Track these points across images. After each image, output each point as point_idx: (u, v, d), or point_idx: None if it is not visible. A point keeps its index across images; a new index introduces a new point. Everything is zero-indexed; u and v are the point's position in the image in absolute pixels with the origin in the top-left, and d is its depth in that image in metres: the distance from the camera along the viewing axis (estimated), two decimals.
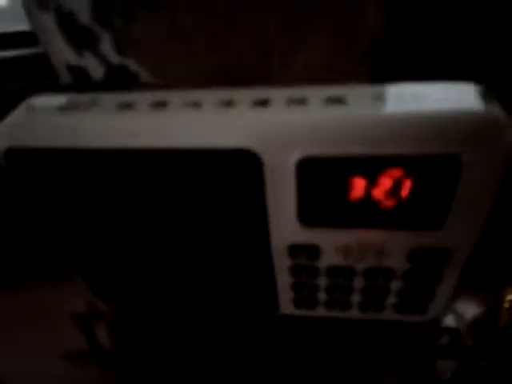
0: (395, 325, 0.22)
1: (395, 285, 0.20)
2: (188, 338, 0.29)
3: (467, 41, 0.22)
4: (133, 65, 0.19)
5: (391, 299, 0.21)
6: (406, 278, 0.19)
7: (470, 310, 0.29)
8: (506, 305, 0.35)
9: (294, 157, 0.16)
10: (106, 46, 0.19)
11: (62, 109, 0.18)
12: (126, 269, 0.23)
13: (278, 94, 0.17)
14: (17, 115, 0.18)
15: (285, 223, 0.18)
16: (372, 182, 0.16)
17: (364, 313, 0.22)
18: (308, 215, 0.18)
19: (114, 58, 0.19)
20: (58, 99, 0.18)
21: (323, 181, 0.16)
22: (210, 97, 0.17)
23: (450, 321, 0.25)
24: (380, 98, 0.16)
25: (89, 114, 0.17)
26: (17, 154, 0.18)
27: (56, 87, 0.22)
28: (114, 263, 0.23)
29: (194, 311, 0.25)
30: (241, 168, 0.17)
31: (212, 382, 0.27)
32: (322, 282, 0.20)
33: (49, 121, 0.17)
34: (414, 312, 0.21)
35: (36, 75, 0.32)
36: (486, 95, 0.15)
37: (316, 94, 0.16)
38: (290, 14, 0.18)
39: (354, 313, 0.22)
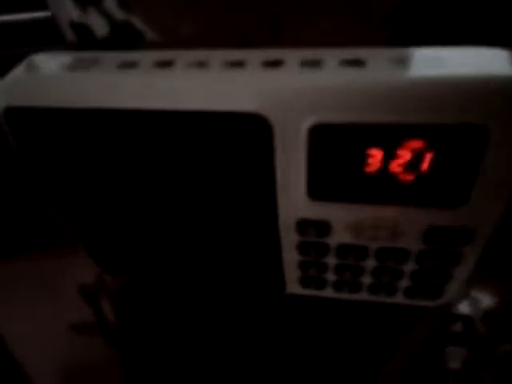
0: (406, 308, 0.21)
1: (409, 267, 0.19)
2: (192, 316, 0.28)
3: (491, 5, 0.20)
4: (137, 22, 0.18)
5: (404, 282, 0.20)
6: (421, 259, 0.18)
7: (485, 298, 0.28)
8: None
9: (307, 123, 0.15)
10: (111, 3, 0.18)
11: (63, 67, 0.17)
12: (129, 239, 0.22)
13: (291, 55, 0.15)
14: (16, 73, 0.17)
15: (294, 196, 0.17)
16: (390, 154, 0.15)
17: (374, 295, 0.21)
18: (318, 188, 0.16)
19: (119, 14, 0.18)
20: (60, 58, 0.17)
21: (337, 150, 0.15)
22: (217, 57, 0.16)
23: (463, 308, 0.24)
24: (401, 62, 0.14)
25: (90, 73, 0.16)
26: (16, 113, 0.17)
27: (62, 48, 0.21)
28: (117, 232, 0.22)
29: (198, 286, 0.25)
30: (249, 133, 0.16)
31: (215, 360, 0.27)
32: (331, 260, 0.19)
33: (49, 80, 0.16)
34: (427, 296, 0.20)
35: (43, 40, 0.31)
36: None
37: (332, 55, 0.15)
38: None
39: (364, 295, 0.21)
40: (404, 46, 0.22)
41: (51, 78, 0.16)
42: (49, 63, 0.17)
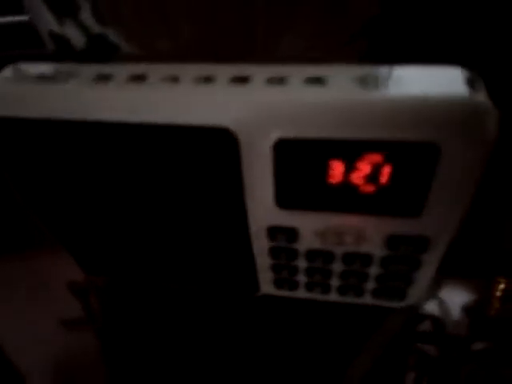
0: (374, 309, 0.22)
1: (374, 270, 0.20)
2: (173, 312, 0.29)
3: (462, 24, 0.21)
4: (113, 35, 0.18)
5: (370, 284, 0.21)
6: (384, 263, 0.19)
7: (456, 297, 0.29)
8: (498, 293, 0.35)
9: (272, 138, 0.16)
10: (86, 15, 0.18)
11: (40, 79, 0.17)
12: (108, 241, 0.23)
13: (259, 72, 0.16)
14: None
15: (262, 205, 0.18)
16: (350, 166, 0.16)
17: (343, 296, 0.22)
18: (285, 198, 0.17)
19: (94, 27, 0.19)
20: (37, 68, 0.18)
21: (301, 163, 0.16)
22: (188, 71, 0.17)
23: (432, 308, 0.25)
24: (361, 80, 0.15)
25: (68, 86, 0.17)
26: None
27: (41, 55, 0.22)
28: (95, 235, 0.23)
29: (175, 287, 0.26)
30: (217, 147, 0.16)
31: (195, 354, 0.28)
32: (302, 264, 0.20)
33: (27, 91, 0.17)
34: (392, 298, 0.21)
35: (25, 43, 0.32)
36: (473, 81, 0.15)
37: (297, 73, 0.16)
38: None
39: (334, 296, 0.22)
40: (376, 57, 0.23)
41: (29, 89, 0.17)
42: (27, 74, 0.18)
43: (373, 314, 0.24)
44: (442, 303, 0.26)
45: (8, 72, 0.18)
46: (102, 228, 0.22)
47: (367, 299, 0.22)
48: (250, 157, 0.16)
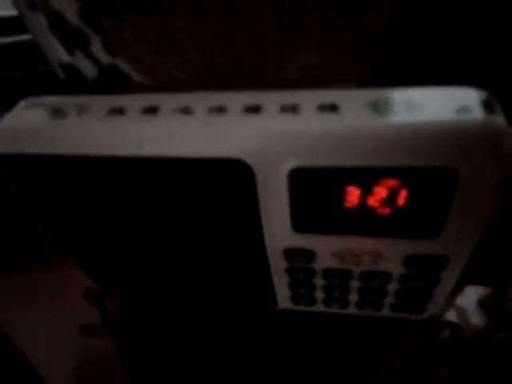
0: (393, 320, 0.22)
1: (392, 286, 0.20)
2: (192, 323, 0.29)
3: (473, 41, 0.21)
4: (123, 66, 0.18)
5: (388, 299, 0.21)
6: (403, 281, 0.19)
7: (474, 301, 0.29)
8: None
9: (286, 167, 0.16)
10: (97, 47, 0.18)
11: (53, 114, 0.17)
12: (127, 267, 0.23)
13: (271, 99, 0.16)
14: (8, 120, 0.18)
15: (279, 230, 0.18)
16: (367, 191, 0.16)
17: (362, 310, 0.22)
18: (302, 223, 0.17)
19: (105, 59, 0.19)
20: (50, 103, 0.18)
21: (316, 190, 0.16)
22: (200, 102, 0.17)
23: (451, 315, 0.25)
24: (374, 106, 0.15)
25: (81, 121, 0.17)
26: (9, 160, 0.18)
27: (53, 85, 0.22)
28: (114, 261, 0.23)
29: (192, 306, 0.26)
30: (232, 177, 0.16)
31: (212, 364, 0.28)
32: (319, 282, 0.20)
33: (40, 128, 0.17)
34: (411, 311, 0.21)
35: (34, 61, 0.32)
36: (489, 103, 0.15)
37: (309, 99, 0.16)
38: (284, 12, 0.17)
39: (352, 310, 0.22)
40: (388, 72, 0.23)
41: (43, 127, 0.17)
42: (40, 109, 0.18)
43: (391, 325, 0.24)
44: (460, 309, 0.26)
45: (21, 107, 0.18)
46: (124, 256, 0.22)
47: (386, 312, 0.22)
48: (265, 186, 0.16)
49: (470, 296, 0.29)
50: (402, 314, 0.22)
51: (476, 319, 0.28)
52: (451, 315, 0.26)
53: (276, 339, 0.25)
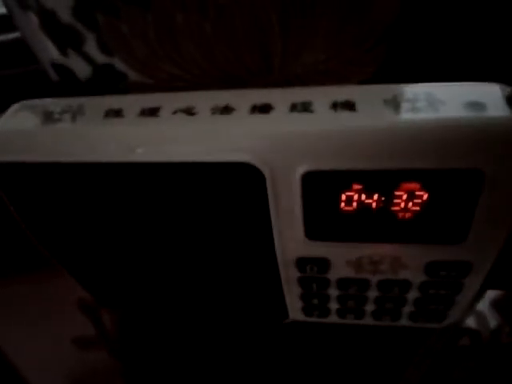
0: (412, 330, 0.21)
1: (412, 295, 0.19)
2: (193, 334, 0.28)
3: (486, 35, 0.20)
4: (119, 64, 0.17)
5: (407, 308, 0.19)
6: (423, 288, 0.18)
7: (486, 307, 0.28)
8: None
9: (299, 171, 0.14)
10: (91, 46, 0.17)
11: (46, 118, 0.16)
12: (129, 277, 0.22)
13: (280, 97, 0.15)
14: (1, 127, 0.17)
15: (291, 237, 0.17)
16: (386, 196, 0.15)
17: (378, 321, 0.21)
18: (316, 230, 0.16)
19: (100, 58, 0.17)
20: (44, 107, 0.17)
21: (331, 195, 0.15)
22: (204, 101, 0.15)
23: (470, 322, 0.24)
24: (392, 104, 0.14)
25: (77, 126, 0.16)
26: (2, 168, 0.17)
27: (46, 87, 0.21)
28: (116, 272, 0.22)
29: (199, 315, 0.25)
30: (241, 182, 0.15)
31: (216, 374, 0.27)
32: (333, 292, 0.19)
33: (34, 134, 0.16)
34: (431, 320, 0.20)
35: (23, 60, 0.30)
36: None
37: (322, 97, 0.15)
38: (291, 6, 0.16)
39: (368, 320, 0.21)
40: (398, 67, 0.21)
41: (36, 133, 0.16)
42: (33, 114, 0.17)
43: (409, 334, 0.22)
44: (479, 315, 0.24)
45: (13, 112, 0.17)
46: (124, 267, 0.21)
47: (404, 322, 0.21)
48: (276, 190, 0.15)
49: (484, 299, 0.28)
50: (422, 322, 0.20)
51: (492, 323, 0.27)
52: (469, 321, 0.24)
53: (287, 353, 0.24)
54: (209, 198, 0.16)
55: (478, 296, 0.18)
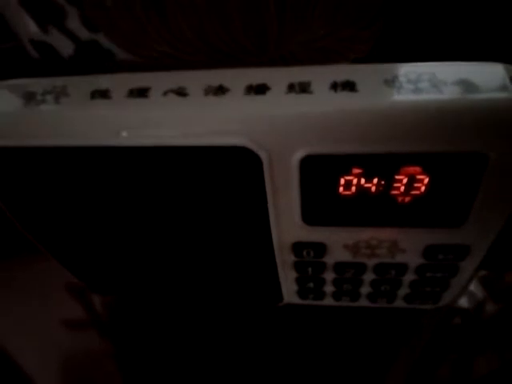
0: (406, 310, 0.21)
1: (408, 277, 0.18)
2: (186, 316, 0.28)
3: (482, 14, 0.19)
4: (104, 41, 0.16)
5: (403, 290, 0.19)
6: (420, 271, 0.18)
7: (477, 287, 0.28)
8: None
9: (298, 154, 0.14)
10: (74, 21, 0.16)
11: (28, 99, 0.15)
12: (123, 264, 0.21)
13: (277, 77, 0.14)
14: None
15: (287, 222, 0.16)
16: (386, 180, 0.14)
17: (373, 303, 0.21)
18: (313, 215, 0.16)
19: (83, 34, 0.16)
20: (23, 86, 0.16)
21: (330, 179, 0.14)
22: (196, 81, 0.15)
23: (461, 301, 0.24)
24: (394, 84, 0.13)
25: (61, 107, 0.15)
26: None
27: (25, 64, 0.20)
28: (110, 258, 0.21)
29: (193, 298, 0.24)
30: (237, 166, 0.15)
31: (210, 357, 0.27)
32: (329, 276, 0.19)
33: (13, 117, 0.15)
34: (426, 301, 0.20)
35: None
36: None
37: (321, 77, 0.14)
38: None
39: (363, 303, 0.21)
40: (390, 48, 0.21)
41: (17, 115, 0.15)
42: (13, 95, 0.16)
43: (403, 314, 0.23)
44: (472, 295, 0.25)
45: None
46: (120, 251, 0.20)
47: (399, 304, 0.21)
48: (273, 174, 0.15)
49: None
50: (417, 304, 0.20)
51: (477, 298, 0.27)
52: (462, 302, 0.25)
53: (281, 334, 0.24)
54: (203, 183, 0.15)
55: (472, 277, 0.18)
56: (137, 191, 0.16)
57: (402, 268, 0.18)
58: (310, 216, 0.16)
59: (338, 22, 0.17)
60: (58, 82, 0.16)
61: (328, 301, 0.21)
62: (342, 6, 0.17)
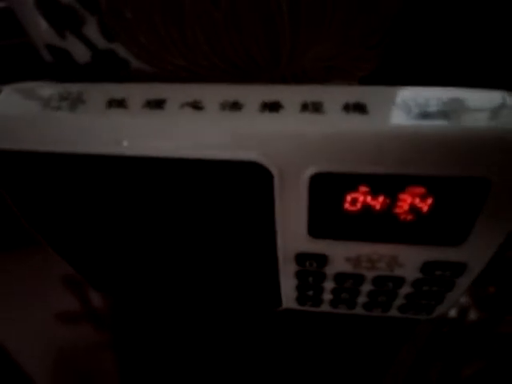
0: (400, 320, 0.22)
1: (404, 290, 0.19)
2: (186, 315, 0.28)
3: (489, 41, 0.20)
4: (121, 50, 0.17)
5: (398, 301, 0.20)
6: (416, 285, 0.19)
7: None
8: None
9: (308, 171, 0.14)
10: (92, 29, 0.16)
11: (43, 105, 0.15)
12: (130, 269, 0.22)
13: (291, 95, 0.15)
14: None
15: (293, 234, 0.17)
16: (391, 199, 0.15)
17: (369, 312, 0.21)
18: (318, 228, 0.16)
19: (100, 43, 0.17)
20: (40, 92, 0.16)
21: (337, 196, 0.15)
22: (212, 96, 0.15)
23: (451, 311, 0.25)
24: (404, 107, 0.14)
25: (77, 115, 0.15)
26: None
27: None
28: (118, 265, 0.21)
29: (194, 301, 0.25)
30: (248, 181, 0.15)
31: (209, 355, 0.27)
32: (329, 285, 0.20)
33: (28, 123, 0.15)
34: (419, 312, 0.21)
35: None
36: None
37: (333, 97, 0.14)
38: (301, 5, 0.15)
39: (359, 311, 0.22)
40: (393, 67, 0.21)
41: (32, 120, 0.15)
42: (28, 100, 0.16)
43: (396, 324, 0.23)
44: (460, 305, 0.26)
45: (6, 95, 0.16)
46: (129, 257, 0.21)
47: (393, 313, 0.21)
48: (283, 189, 0.15)
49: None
50: (411, 314, 0.21)
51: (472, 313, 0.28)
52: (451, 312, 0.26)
53: (277, 338, 0.25)
54: (213, 193, 0.16)
55: (465, 291, 0.19)
56: (148, 201, 0.17)
57: (400, 281, 0.18)
58: (316, 229, 0.16)
59: (349, 40, 0.18)
60: (74, 88, 0.16)
61: (325, 307, 0.22)
62: (354, 23, 0.17)
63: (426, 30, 0.22)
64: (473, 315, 0.29)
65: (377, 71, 0.21)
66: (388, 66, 0.21)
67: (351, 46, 0.18)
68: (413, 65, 0.23)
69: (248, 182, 0.15)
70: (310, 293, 0.21)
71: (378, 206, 0.15)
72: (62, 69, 0.19)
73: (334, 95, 0.15)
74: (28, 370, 0.35)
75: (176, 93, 0.15)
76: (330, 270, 0.18)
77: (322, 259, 0.18)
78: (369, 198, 0.15)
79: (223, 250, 0.19)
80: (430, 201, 0.15)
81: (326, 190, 0.15)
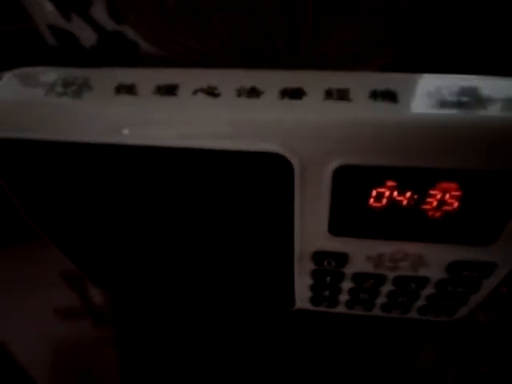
0: (419, 321, 0.21)
1: (427, 291, 0.18)
2: (195, 313, 0.28)
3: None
4: (130, 32, 0.15)
5: (419, 303, 0.19)
6: (440, 286, 0.18)
7: None
8: None
9: (332, 164, 0.13)
10: (99, 10, 0.15)
11: (47, 90, 0.14)
12: (136, 263, 0.21)
13: (313, 82, 0.14)
14: None
15: (312, 231, 0.16)
16: (419, 195, 0.14)
17: (387, 313, 0.20)
18: (340, 226, 0.15)
19: (108, 24, 0.15)
20: (43, 76, 0.15)
21: (362, 191, 0.14)
22: (228, 81, 0.14)
23: None
24: (436, 97, 0.13)
25: (83, 102, 0.14)
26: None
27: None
28: (124, 258, 0.20)
29: (206, 300, 0.24)
30: (267, 173, 0.14)
31: (215, 356, 0.26)
32: (346, 285, 0.19)
33: (31, 110, 0.14)
34: (440, 314, 0.20)
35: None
36: None
37: (360, 84, 0.13)
38: None
39: (377, 312, 0.21)
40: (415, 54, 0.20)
41: (36, 107, 0.14)
42: (32, 85, 0.15)
43: (415, 326, 0.22)
44: None
45: (7, 82, 0.15)
46: (137, 253, 0.20)
47: (413, 315, 0.20)
48: (303, 183, 0.14)
49: None
50: (431, 316, 0.20)
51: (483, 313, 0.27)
52: None
53: (289, 338, 0.24)
54: (230, 186, 0.15)
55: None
56: (158, 193, 0.16)
57: (423, 281, 0.17)
58: (337, 226, 0.15)
59: (371, 25, 0.17)
60: (79, 73, 0.15)
61: (340, 309, 0.21)
62: (378, 6, 0.16)
63: (446, 19, 0.21)
64: (484, 315, 0.28)
65: (397, 60, 0.20)
66: (409, 55, 0.20)
67: (374, 30, 0.17)
68: (433, 53, 0.22)
69: (266, 175, 0.14)
70: (326, 293, 0.19)
71: (404, 202, 0.14)
72: (66, 53, 0.18)
73: (361, 82, 0.13)
74: (26, 365, 0.34)
75: (188, 78, 0.14)
76: (349, 270, 0.17)
77: (342, 258, 0.17)
78: (395, 194, 0.14)
79: (236, 246, 0.18)
80: (460, 197, 0.14)
81: (351, 184, 0.14)
